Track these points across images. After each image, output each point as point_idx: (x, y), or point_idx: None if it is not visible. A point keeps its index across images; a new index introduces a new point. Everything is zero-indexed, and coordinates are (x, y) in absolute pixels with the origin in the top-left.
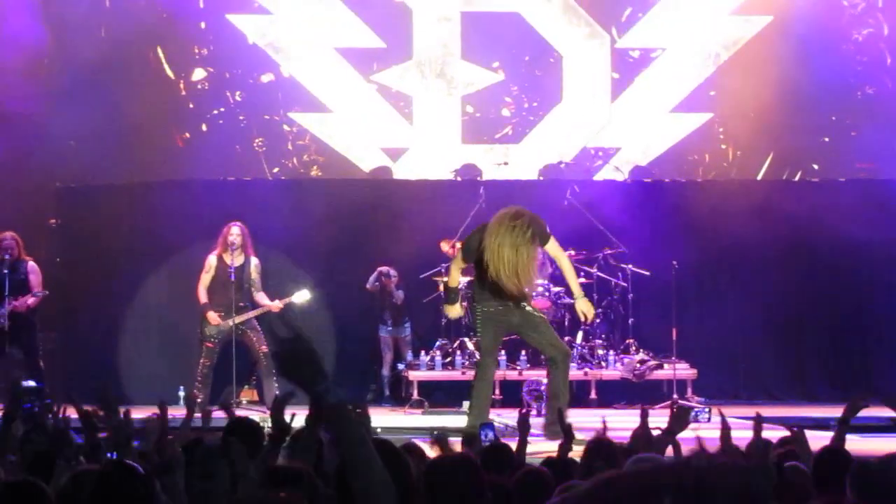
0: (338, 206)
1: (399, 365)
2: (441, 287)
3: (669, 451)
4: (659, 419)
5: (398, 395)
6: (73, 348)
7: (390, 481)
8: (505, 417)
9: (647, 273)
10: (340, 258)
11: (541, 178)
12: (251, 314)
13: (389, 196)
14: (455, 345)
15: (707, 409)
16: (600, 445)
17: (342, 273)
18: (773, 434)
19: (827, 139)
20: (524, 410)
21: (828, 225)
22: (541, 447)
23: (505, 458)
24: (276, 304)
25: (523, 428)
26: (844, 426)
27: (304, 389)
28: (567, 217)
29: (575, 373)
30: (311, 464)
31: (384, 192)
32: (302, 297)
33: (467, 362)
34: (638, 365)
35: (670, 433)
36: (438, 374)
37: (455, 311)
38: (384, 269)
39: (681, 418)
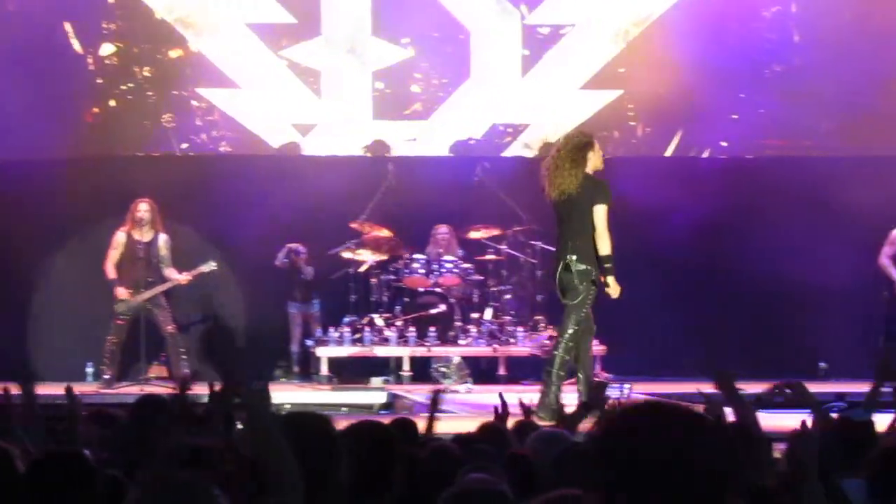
0: (247, 181)
1: (308, 341)
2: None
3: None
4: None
5: (307, 372)
6: None
7: (293, 460)
8: (414, 394)
9: (555, 250)
10: (249, 234)
11: (450, 154)
12: (159, 289)
13: (298, 172)
14: (364, 321)
15: (627, 385)
16: (493, 427)
17: (251, 249)
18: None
19: (735, 116)
20: (439, 389)
21: (735, 202)
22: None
23: (411, 432)
24: (184, 277)
25: (434, 404)
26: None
27: (223, 376)
28: (476, 194)
29: (484, 349)
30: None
31: (293, 168)
32: (209, 267)
33: (376, 338)
34: (547, 341)
35: (587, 407)
36: (347, 351)
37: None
38: (293, 245)
39: (598, 392)
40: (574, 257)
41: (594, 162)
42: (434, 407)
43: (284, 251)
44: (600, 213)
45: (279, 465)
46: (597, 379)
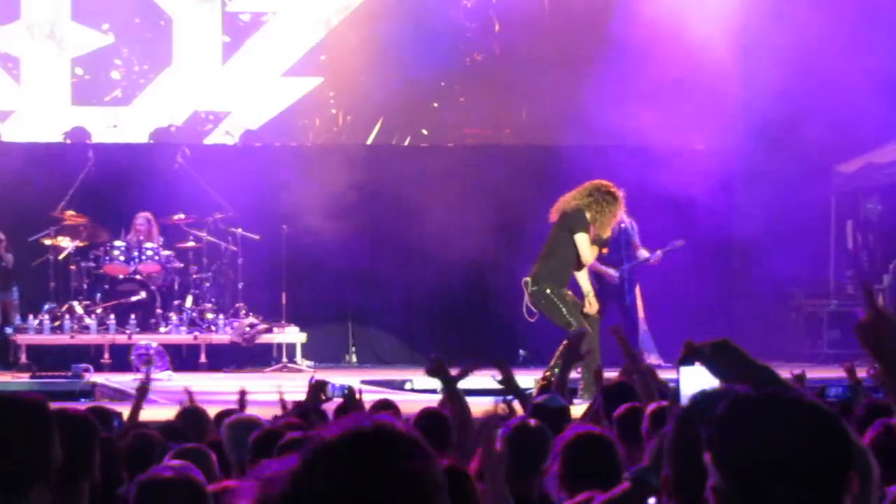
0: None
1: (7, 329)
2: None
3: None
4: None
5: (7, 360)
6: None
7: None
8: (114, 382)
9: (257, 237)
10: None
11: (151, 141)
12: None
13: None
14: (64, 309)
15: (346, 387)
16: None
17: None
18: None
19: (436, 105)
20: (144, 377)
21: (438, 190)
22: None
23: (106, 419)
24: None
25: (141, 393)
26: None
27: None
28: (177, 181)
29: (184, 337)
30: None
31: None
32: None
33: (76, 326)
34: (247, 329)
35: (303, 406)
36: (47, 338)
37: None
38: None
39: (316, 391)
40: (528, 280)
41: (603, 217)
42: (141, 395)
43: None
44: (581, 241)
45: None
46: (316, 378)
